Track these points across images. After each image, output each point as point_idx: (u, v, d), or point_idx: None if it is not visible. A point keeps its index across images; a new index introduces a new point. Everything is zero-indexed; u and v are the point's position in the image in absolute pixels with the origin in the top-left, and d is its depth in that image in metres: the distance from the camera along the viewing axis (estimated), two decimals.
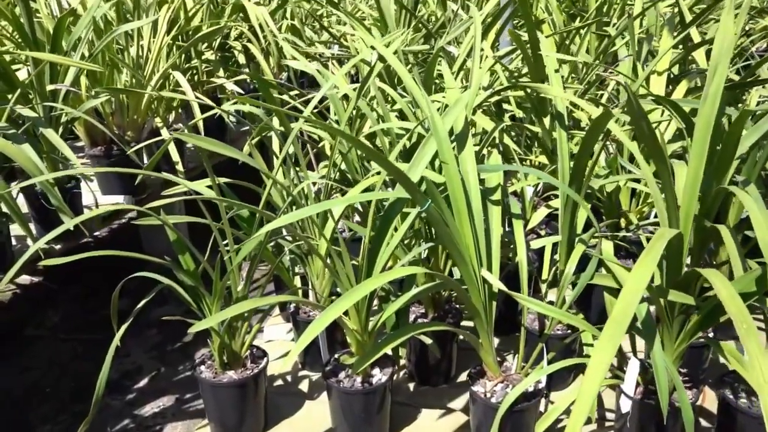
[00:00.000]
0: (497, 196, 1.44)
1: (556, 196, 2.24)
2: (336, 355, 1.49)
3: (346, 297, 1.07)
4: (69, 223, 1.24)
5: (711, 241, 1.36)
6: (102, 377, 1.32)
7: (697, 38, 2.20)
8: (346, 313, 1.37)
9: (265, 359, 1.50)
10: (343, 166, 1.73)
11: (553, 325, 1.41)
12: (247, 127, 4.00)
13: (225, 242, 1.39)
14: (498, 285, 1.30)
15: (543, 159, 2.11)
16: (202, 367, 1.47)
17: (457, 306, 1.71)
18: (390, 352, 1.50)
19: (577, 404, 0.86)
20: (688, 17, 2.23)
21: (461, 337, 1.89)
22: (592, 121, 1.04)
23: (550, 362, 1.35)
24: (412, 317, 1.64)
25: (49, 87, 2.24)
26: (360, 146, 1.01)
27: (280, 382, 1.71)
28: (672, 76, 2.11)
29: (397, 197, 1.30)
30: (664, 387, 1.13)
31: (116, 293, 1.40)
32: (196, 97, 2.66)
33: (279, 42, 3.26)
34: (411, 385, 1.67)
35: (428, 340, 1.43)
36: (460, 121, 1.39)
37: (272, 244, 1.70)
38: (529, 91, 1.93)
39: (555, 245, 1.59)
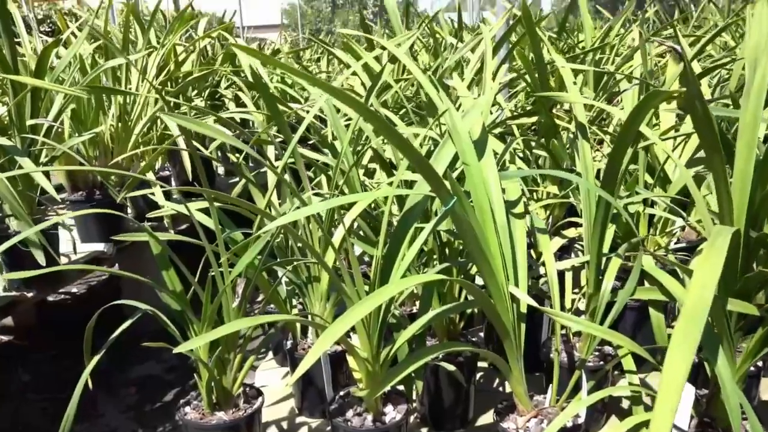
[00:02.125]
0: (520, 209, 1.31)
1: (570, 225, 2.12)
2: (341, 393, 1.30)
3: (361, 305, 0.91)
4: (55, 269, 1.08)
5: (759, 250, 1.23)
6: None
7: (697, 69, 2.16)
8: (353, 338, 1.20)
9: (260, 399, 1.31)
10: (346, 190, 1.60)
11: (591, 347, 1.25)
12: (236, 179, 3.89)
13: (218, 265, 1.24)
14: (528, 300, 1.15)
15: (553, 189, 2.00)
16: (187, 408, 1.27)
17: (474, 339, 1.54)
18: (403, 388, 1.33)
19: (653, 426, 0.70)
20: (688, 50, 2.20)
21: (479, 378, 1.72)
22: (638, 103, 0.93)
23: (590, 392, 1.18)
24: None
25: (30, 121, 2.12)
26: (379, 124, 0.88)
27: (274, 429, 1.50)
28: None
29: (414, 203, 1.16)
30: (737, 414, 0.96)
31: (91, 324, 1.22)
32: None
33: (271, 89, 3.20)
34: (424, 430, 1.47)
35: (450, 367, 1.26)
36: (478, 126, 1.28)
37: (269, 272, 1.54)
38: (535, 119, 1.85)
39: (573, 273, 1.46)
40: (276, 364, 1.83)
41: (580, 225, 2.07)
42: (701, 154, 1.84)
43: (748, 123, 1.09)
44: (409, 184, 1.41)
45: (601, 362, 1.40)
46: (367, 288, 1.20)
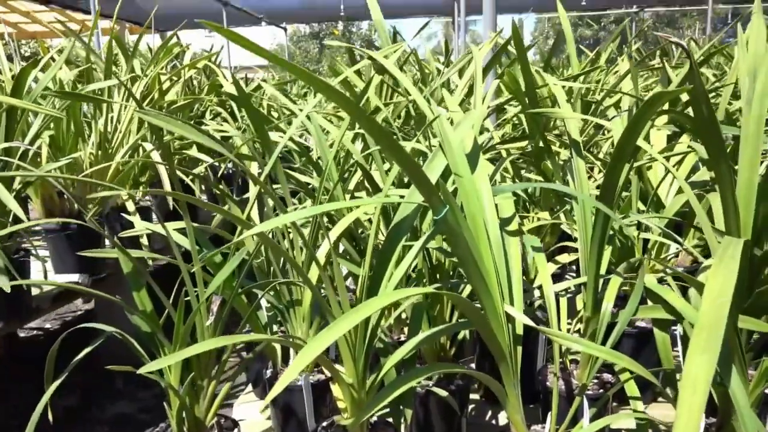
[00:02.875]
0: (513, 226, 1.25)
1: (563, 251, 2.06)
2: (324, 423, 1.21)
3: (345, 318, 0.83)
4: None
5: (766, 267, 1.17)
6: None
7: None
8: (338, 360, 1.12)
9: (236, 431, 1.21)
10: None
11: (591, 372, 1.17)
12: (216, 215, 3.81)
13: (194, 285, 1.15)
14: (524, 320, 1.08)
15: (545, 215, 1.95)
16: None
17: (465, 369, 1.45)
18: (391, 420, 1.23)
19: None
20: (674, 78, 2.20)
21: (470, 411, 1.62)
22: (640, 108, 0.88)
23: (592, 420, 1.10)
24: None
25: (3, 144, 2.04)
26: (369, 124, 0.82)
27: None
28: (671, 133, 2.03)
29: (403, 217, 1.10)
30: None
31: (54, 347, 1.12)
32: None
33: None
34: None
35: (443, 392, 1.17)
36: (470, 139, 1.23)
37: (249, 298, 1.45)
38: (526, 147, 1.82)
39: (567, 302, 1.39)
40: (255, 396, 1.73)
41: (573, 250, 2.02)
42: (695, 178, 1.81)
43: (752, 133, 1.05)
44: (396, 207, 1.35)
45: (601, 390, 1.32)
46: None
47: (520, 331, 1.14)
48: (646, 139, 1.98)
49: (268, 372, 1.46)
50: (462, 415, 1.40)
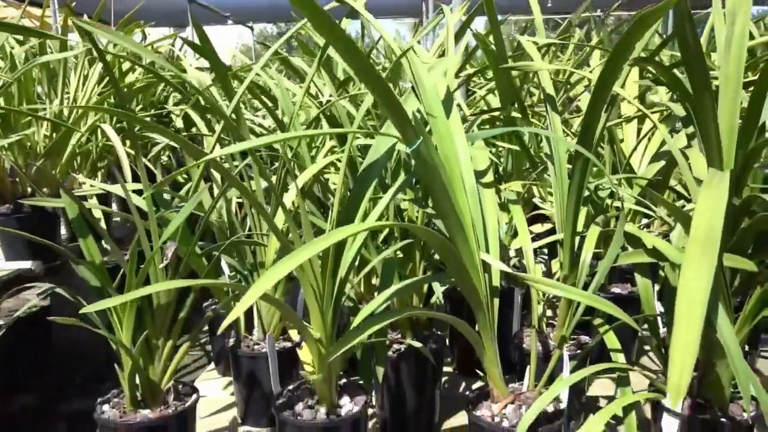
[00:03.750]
0: (489, 178, 1.20)
1: (536, 222, 2.03)
2: (291, 387, 1.13)
3: (308, 246, 0.76)
4: None
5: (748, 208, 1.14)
6: None
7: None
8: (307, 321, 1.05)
9: (194, 396, 1.12)
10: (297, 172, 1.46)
11: (570, 324, 1.12)
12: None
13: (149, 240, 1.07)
14: (501, 266, 1.02)
15: (517, 187, 1.91)
16: (105, 407, 1.07)
17: (439, 332, 1.39)
18: (361, 381, 1.16)
19: (670, 375, 0.57)
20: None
21: (443, 383, 1.56)
22: (624, 35, 0.83)
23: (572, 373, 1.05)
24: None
25: None
26: (335, 36, 0.75)
27: None
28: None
29: (373, 161, 1.03)
30: (746, 386, 0.84)
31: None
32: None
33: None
34: None
35: (417, 344, 1.10)
36: (443, 86, 1.17)
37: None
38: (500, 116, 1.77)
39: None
40: (218, 374, 1.63)
41: (546, 220, 1.98)
42: (666, 147, 1.80)
43: (732, 72, 1.02)
44: None
45: (579, 351, 1.27)
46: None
47: (497, 282, 1.08)
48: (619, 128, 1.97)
49: (231, 341, 1.37)
50: (437, 382, 1.34)
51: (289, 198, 1.19)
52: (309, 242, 0.76)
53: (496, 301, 1.08)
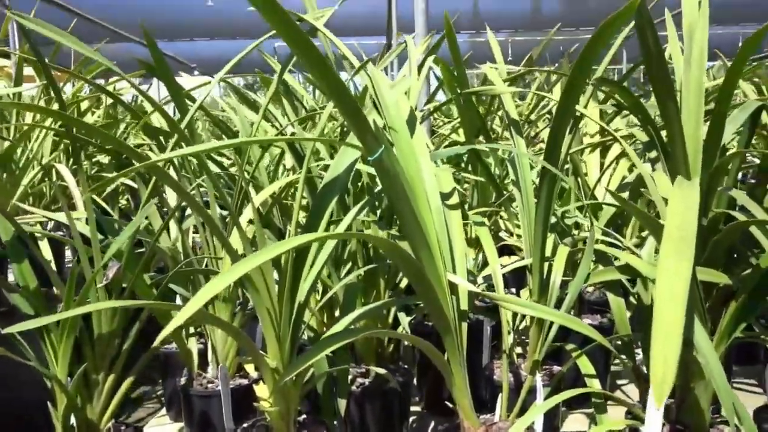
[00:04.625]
0: (454, 200, 1.16)
1: (505, 252, 2.00)
2: (245, 425, 1.04)
3: (254, 256, 0.69)
4: None
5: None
6: None
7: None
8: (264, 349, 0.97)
9: None
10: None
11: (542, 349, 1.07)
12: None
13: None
14: (468, 286, 0.97)
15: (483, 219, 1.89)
16: None
17: (406, 366, 1.32)
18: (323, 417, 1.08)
19: (653, 369, 0.53)
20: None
21: (411, 422, 1.48)
22: (592, 37, 0.82)
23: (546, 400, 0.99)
24: (348, 379, 1.23)
25: None
26: (290, 31, 0.72)
27: None
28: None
29: (334, 176, 0.99)
30: (729, 404, 0.80)
31: None
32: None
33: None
34: None
35: (380, 370, 1.03)
36: (405, 106, 1.15)
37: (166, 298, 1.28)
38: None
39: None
40: (169, 420, 1.52)
41: (514, 254, 1.95)
42: (631, 178, 1.80)
43: (693, 88, 1.02)
44: None
45: (549, 379, 1.21)
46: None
47: (465, 305, 1.03)
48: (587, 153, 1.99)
49: (182, 379, 1.27)
50: (403, 420, 1.26)
51: (245, 218, 1.13)
52: (260, 250, 0.70)
53: (465, 325, 1.03)
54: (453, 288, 1.02)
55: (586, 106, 1.52)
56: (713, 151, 1.03)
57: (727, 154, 1.10)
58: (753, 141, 2.07)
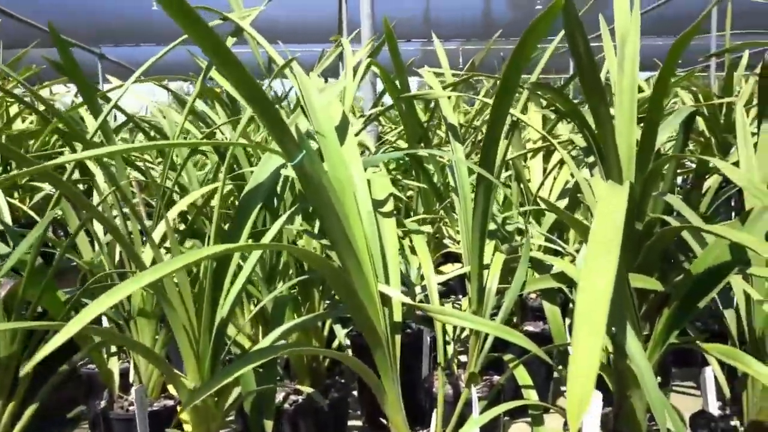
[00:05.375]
0: (389, 207, 1.12)
1: (450, 260, 1.97)
2: None
3: (180, 258, 0.63)
4: None
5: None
6: None
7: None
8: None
9: None
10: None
11: (479, 360, 1.03)
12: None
13: None
14: (401, 298, 0.93)
15: (427, 228, 1.86)
16: None
17: (343, 381, 1.27)
18: None
19: (569, 397, 0.49)
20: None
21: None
22: (527, 31, 0.79)
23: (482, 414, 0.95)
24: (281, 395, 1.16)
25: None
26: (214, 51, 0.66)
27: None
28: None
29: (257, 184, 0.93)
30: (662, 414, 0.78)
31: None
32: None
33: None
34: None
35: (307, 389, 0.97)
36: (338, 111, 1.10)
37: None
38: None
39: None
40: None
41: (459, 261, 1.93)
42: (572, 183, 1.80)
43: (626, 92, 1.01)
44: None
45: (487, 391, 1.18)
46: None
47: (398, 317, 0.99)
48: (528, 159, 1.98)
49: (102, 403, 1.19)
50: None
51: (159, 232, 1.06)
52: (170, 259, 0.63)
53: (398, 338, 0.98)
54: (387, 299, 0.97)
55: (524, 111, 1.51)
56: (647, 156, 1.03)
57: (662, 158, 1.10)
58: (691, 147, 2.12)
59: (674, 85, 1.98)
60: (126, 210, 1.10)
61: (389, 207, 1.13)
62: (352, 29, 3.66)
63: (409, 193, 2.05)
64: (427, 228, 1.86)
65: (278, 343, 0.89)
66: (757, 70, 1.26)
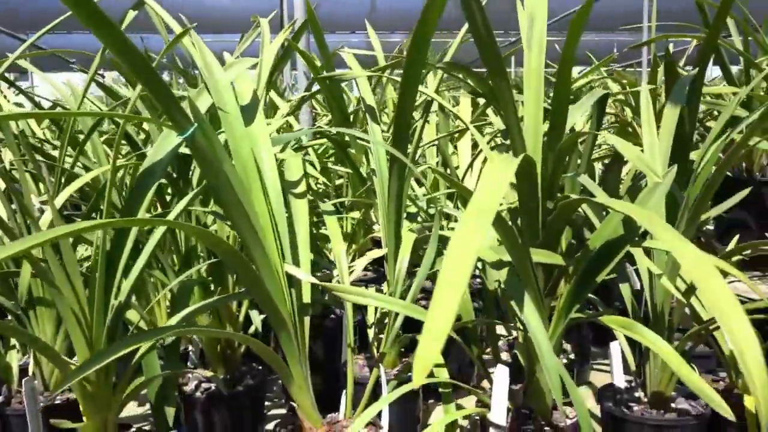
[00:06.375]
0: (302, 188, 1.10)
1: (379, 245, 1.96)
2: None
3: (38, 235, 0.58)
4: None
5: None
6: None
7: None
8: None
9: None
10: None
11: (390, 333, 1.02)
12: None
13: None
14: (307, 278, 0.91)
15: (356, 214, 1.84)
16: None
17: (260, 368, 1.24)
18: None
19: (417, 354, 0.47)
20: None
21: (277, 426, 1.39)
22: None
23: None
24: (193, 384, 1.13)
25: None
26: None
27: None
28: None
29: (153, 162, 0.89)
30: (557, 381, 0.79)
31: None
32: None
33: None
34: None
35: (207, 373, 0.94)
36: (248, 89, 1.07)
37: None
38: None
39: None
40: None
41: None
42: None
43: (534, 69, 1.02)
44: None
45: (409, 372, 1.18)
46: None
47: (307, 298, 0.97)
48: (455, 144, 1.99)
49: (0, 398, 1.12)
50: (257, 425, 1.18)
51: (46, 219, 1.01)
52: (31, 235, 0.59)
53: (307, 319, 0.96)
54: (296, 281, 0.95)
55: (437, 91, 1.51)
56: (558, 135, 1.04)
57: (568, 135, 1.11)
58: (613, 131, 2.18)
59: (589, 73, 2.04)
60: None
61: (302, 188, 1.10)
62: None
63: (340, 181, 2.03)
64: (355, 214, 1.85)
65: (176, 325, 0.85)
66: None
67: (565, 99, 1.02)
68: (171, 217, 0.94)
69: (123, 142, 1.65)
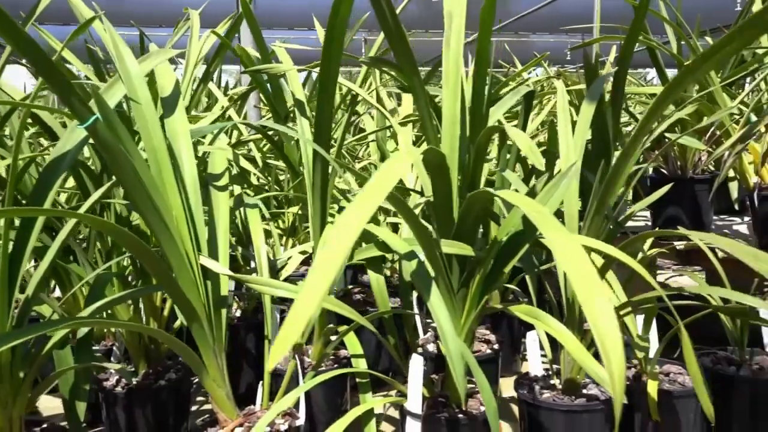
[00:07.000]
0: (224, 181, 1.10)
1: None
2: None
3: None
4: None
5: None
6: None
7: None
8: None
9: None
10: None
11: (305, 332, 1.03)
12: None
13: None
14: (223, 271, 0.91)
15: (295, 209, 1.85)
16: None
17: (185, 362, 1.23)
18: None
19: (279, 335, 0.48)
20: None
21: (206, 419, 1.39)
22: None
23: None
24: (114, 379, 1.11)
25: None
26: None
27: None
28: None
29: (65, 150, 0.88)
30: (459, 368, 0.81)
31: None
32: None
33: None
34: None
35: (115, 366, 0.93)
36: (169, 81, 1.06)
37: None
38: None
39: None
40: None
41: None
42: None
43: (452, 65, 1.04)
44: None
45: (336, 365, 1.19)
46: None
47: (224, 291, 0.97)
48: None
49: None
50: (182, 420, 1.18)
51: None
52: None
53: (224, 312, 0.96)
54: (213, 273, 0.95)
55: (361, 86, 1.52)
56: (478, 130, 1.06)
57: (486, 129, 1.14)
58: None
59: (523, 71, 2.10)
60: None
61: (224, 180, 1.10)
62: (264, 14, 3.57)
63: (284, 176, 2.02)
64: (294, 209, 1.85)
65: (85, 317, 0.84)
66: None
67: (482, 95, 1.05)
68: (83, 210, 0.92)
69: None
